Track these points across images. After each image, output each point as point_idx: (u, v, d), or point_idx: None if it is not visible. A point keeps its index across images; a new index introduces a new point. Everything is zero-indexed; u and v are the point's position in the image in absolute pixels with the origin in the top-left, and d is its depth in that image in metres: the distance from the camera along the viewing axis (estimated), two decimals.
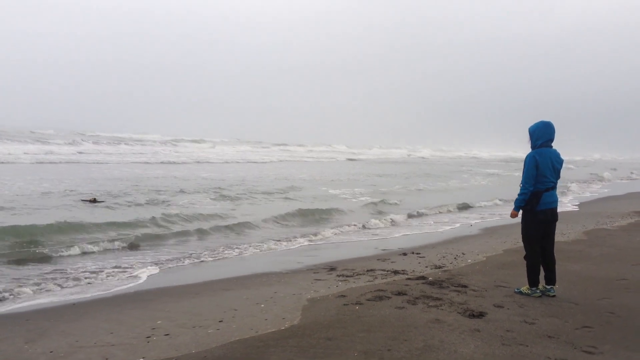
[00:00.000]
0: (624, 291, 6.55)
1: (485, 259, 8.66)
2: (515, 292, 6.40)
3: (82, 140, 47.88)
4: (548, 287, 6.28)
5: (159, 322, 5.38)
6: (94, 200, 13.89)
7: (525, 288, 6.34)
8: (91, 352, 4.59)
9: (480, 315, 5.42)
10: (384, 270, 7.77)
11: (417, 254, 9.28)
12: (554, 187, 6.17)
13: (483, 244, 10.40)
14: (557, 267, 6.34)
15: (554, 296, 6.21)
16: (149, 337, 4.93)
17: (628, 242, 10.29)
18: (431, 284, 6.76)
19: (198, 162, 37.75)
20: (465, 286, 6.63)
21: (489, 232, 12.09)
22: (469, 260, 8.54)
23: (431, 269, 7.88)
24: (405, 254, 9.27)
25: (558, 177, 6.26)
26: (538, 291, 6.24)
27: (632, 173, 42.27)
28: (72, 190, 16.21)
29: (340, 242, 10.91)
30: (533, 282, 6.27)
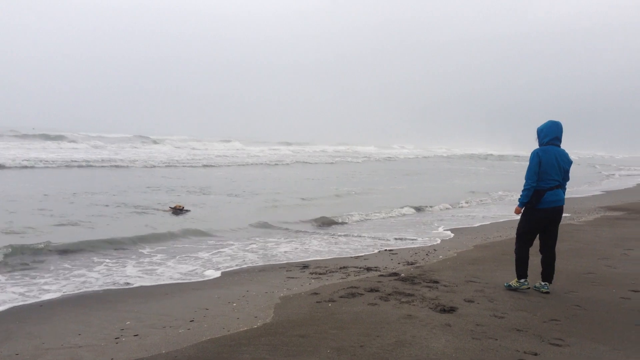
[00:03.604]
0: (591, 285, 6.70)
1: (456, 254, 8.76)
2: (505, 286, 6.43)
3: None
4: (543, 283, 6.33)
5: (127, 322, 5.29)
6: (181, 209, 12.97)
7: (514, 281, 6.39)
8: (58, 354, 4.49)
9: (452, 310, 5.47)
10: (356, 267, 7.79)
11: (390, 250, 9.33)
12: (559, 187, 6.12)
13: (454, 240, 10.52)
14: None
15: (547, 292, 6.24)
16: (118, 338, 4.84)
17: (595, 236, 10.53)
18: (403, 280, 6.80)
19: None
20: (436, 282, 6.69)
21: (460, 229, 12.21)
22: (441, 257, 8.62)
23: (403, 265, 7.94)
24: (378, 251, 9.31)
25: (566, 177, 6.21)
26: (526, 283, 6.30)
27: None
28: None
29: None
30: (520, 274, 6.33)
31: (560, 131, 6.17)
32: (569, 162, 6.21)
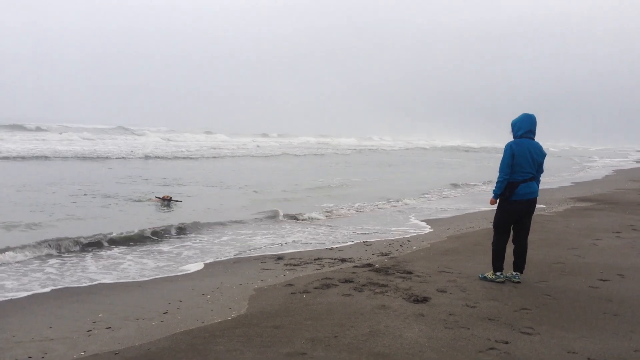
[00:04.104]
0: (560, 274, 6.84)
1: (429, 245, 8.84)
2: (479, 277, 6.51)
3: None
4: (514, 273, 6.41)
5: (100, 315, 5.23)
6: (169, 200, 12.57)
7: (489, 273, 6.46)
8: (29, 347, 4.42)
9: (425, 300, 5.54)
10: (331, 258, 7.82)
11: (364, 241, 9.38)
12: (532, 179, 6.17)
13: (428, 231, 10.61)
14: None
15: (518, 282, 6.32)
16: (90, 330, 4.79)
17: (565, 227, 10.73)
18: (377, 271, 6.85)
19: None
20: (410, 272, 6.75)
21: (433, 220, 12.33)
22: (414, 247, 8.70)
23: (378, 256, 7.99)
24: (353, 242, 9.35)
25: (539, 170, 6.26)
26: (502, 276, 6.38)
27: None
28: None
29: None
30: (497, 267, 6.40)
31: (534, 124, 6.23)
32: (543, 155, 6.27)
